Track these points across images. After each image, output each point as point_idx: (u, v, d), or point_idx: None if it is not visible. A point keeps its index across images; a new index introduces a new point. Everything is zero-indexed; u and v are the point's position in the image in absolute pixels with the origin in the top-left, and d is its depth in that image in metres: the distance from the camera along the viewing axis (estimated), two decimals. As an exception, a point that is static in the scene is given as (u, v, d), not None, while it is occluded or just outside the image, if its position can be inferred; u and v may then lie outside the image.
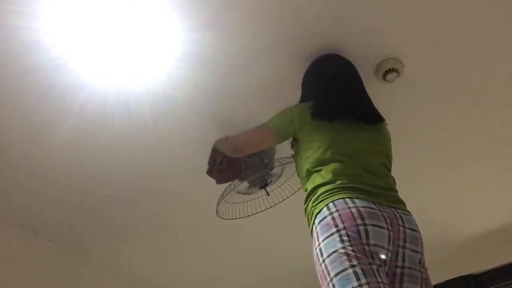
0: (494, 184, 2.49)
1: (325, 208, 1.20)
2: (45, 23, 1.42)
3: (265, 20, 1.51)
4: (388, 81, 1.76)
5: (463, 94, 1.89)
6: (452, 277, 3.06)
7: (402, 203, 1.32)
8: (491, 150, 2.23)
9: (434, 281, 3.31)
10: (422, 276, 1.20)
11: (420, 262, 1.22)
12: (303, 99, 1.58)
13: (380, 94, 1.85)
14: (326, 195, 1.23)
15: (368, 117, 1.46)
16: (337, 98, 1.47)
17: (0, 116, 1.73)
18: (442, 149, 2.19)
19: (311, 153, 1.35)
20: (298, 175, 1.46)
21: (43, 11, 1.38)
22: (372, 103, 1.54)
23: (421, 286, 1.18)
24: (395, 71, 1.71)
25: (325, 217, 1.18)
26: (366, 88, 1.80)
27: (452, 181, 2.43)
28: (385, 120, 1.51)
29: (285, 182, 1.94)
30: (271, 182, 1.85)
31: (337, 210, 1.17)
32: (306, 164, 1.36)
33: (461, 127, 2.07)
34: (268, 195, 1.89)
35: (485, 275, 3.02)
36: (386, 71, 1.71)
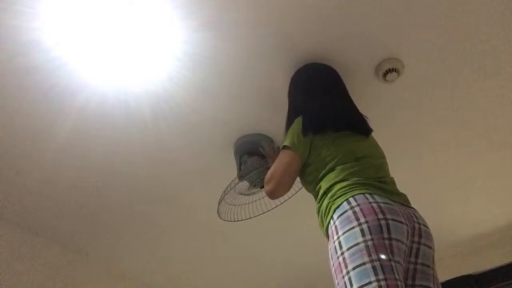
0: (494, 184, 2.49)
1: (345, 203, 1.20)
2: (45, 23, 1.42)
3: (265, 20, 1.51)
4: (388, 81, 1.76)
5: (463, 94, 1.89)
6: (452, 277, 3.06)
7: (410, 203, 1.35)
8: (491, 150, 2.23)
9: (434, 281, 3.25)
10: (434, 274, 1.21)
11: (432, 259, 1.23)
12: (293, 112, 1.57)
13: (380, 94, 1.85)
14: (344, 191, 1.24)
15: (362, 129, 1.48)
16: (326, 110, 1.48)
17: None
18: (442, 149, 2.19)
19: (322, 161, 1.37)
20: (306, 182, 1.45)
21: (43, 11, 1.38)
22: (361, 114, 1.57)
23: (434, 285, 1.19)
24: (395, 71, 1.72)
25: (346, 211, 1.18)
26: (366, 88, 1.81)
27: (452, 181, 2.43)
28: (372, 130, 1.53)
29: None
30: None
31: (358, 205, 1.18)
32: (319, 171, 1.37)
33: (461, 127, 2.07)
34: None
35: (485, 275, 3.02)
36: (386, 71, 1.71)
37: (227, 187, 1.87)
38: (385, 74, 1.73)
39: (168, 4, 1.42)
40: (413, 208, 1.31)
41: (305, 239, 2.74)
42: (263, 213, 1.97)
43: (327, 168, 1.34)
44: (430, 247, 1.23)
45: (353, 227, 1.14)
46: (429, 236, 1.25)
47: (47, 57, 1.52)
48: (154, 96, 1.73)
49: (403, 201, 1.30)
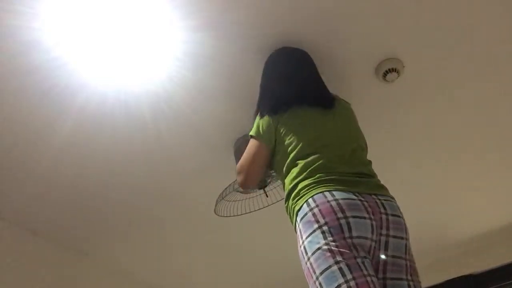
0: (494, 183, 2.49)
1: (305, 205, 1.20)
2: (45, 23, 1.42)
3: (265, 20, 1.51)
4: (388, 81, 1.76)
5: (463, 94, 1.89)
6: (452, 277, 3.06)
7: (383, 188, 1.29)
8: (491, 150, 2.23)
9: (434, 281, 3.31)
10: (407, 264, 1.17)
11: (405, 249, 1.19)
12: (259, 102, 1.56)
13: (380, 94, 1.85)
14: (305, 191, 1.22)
15: (326, 101, 1.43)
16: (281, 90, 1.47)
17: None
18: (442, 149, 2.19)
19: (285, 151, 1.35)
20: (275, 171, 1.45)
21: (43, 11, 1.38)
22: (324, 85, 1.52)
23: (407, 275, 1.15)
24: (395, 71, 1.72)
25: (306, 213, 1.18)
26: (366, 88, 1.81)
27: (452, 181, 2.43)
28: (335, 101, 1.46)
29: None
30: (270, 182, 1.85)
31: (317, 206, 1.16)
32: (283, 161, 1.35)
33: (461, 127, 2.07)
34: (267, 196, 1.89)
35: (485, 275, 3.02)
36: (386, 71, 1.71)
37: (226, 188, 1.87)
38: (385, 74, 1.73)
39: (168, 4, 1.42)
40: (382, 196, 1.24)
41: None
42: (259, 209, 1.97)
43: (290, 158, 1.32)
44: (402, 238, 1.19)
45: (314, 230, 1.13)
46: (398, 226, 1.20)
47: (47, 57, 1.52)
48: (154, 96, 1.73)
49: (371, 189, 1.24)
